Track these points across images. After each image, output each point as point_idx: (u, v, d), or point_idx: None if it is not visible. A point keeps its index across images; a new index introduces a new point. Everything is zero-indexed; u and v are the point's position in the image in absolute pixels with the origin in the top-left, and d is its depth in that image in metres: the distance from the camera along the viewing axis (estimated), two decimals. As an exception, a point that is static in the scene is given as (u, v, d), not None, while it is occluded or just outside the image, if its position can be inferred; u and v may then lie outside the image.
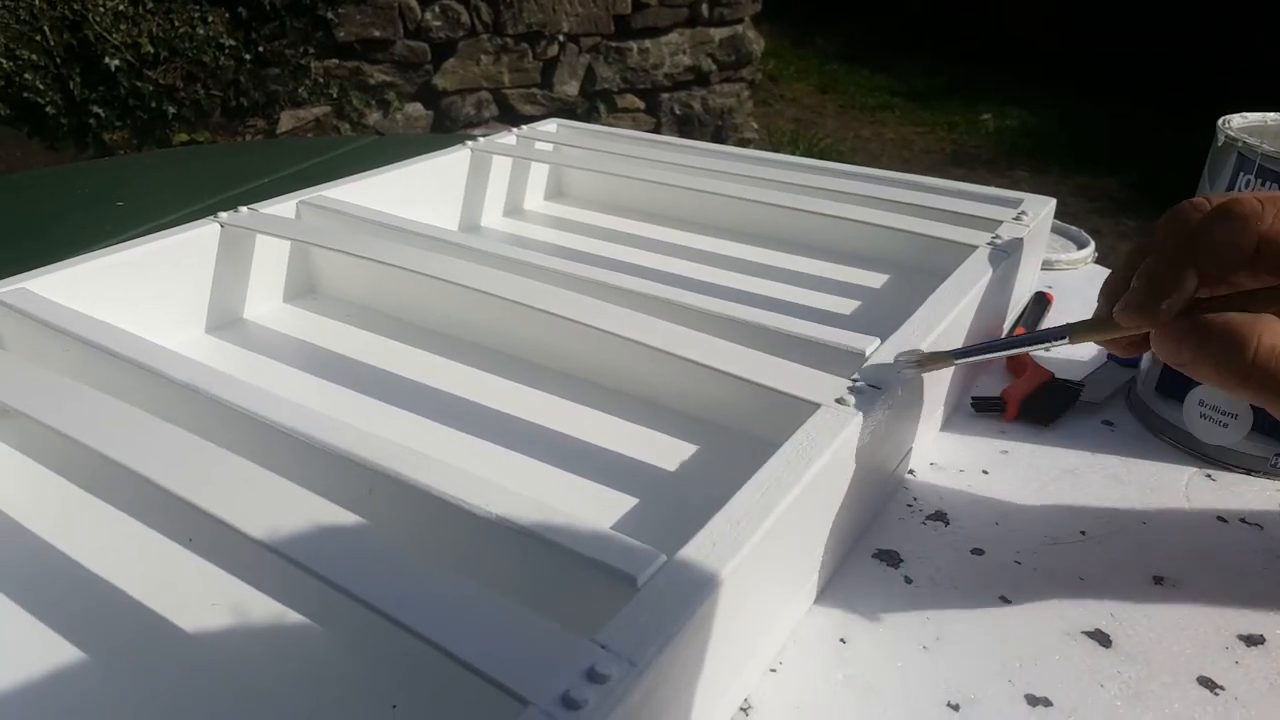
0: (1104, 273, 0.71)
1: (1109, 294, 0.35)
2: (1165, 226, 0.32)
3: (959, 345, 0.46)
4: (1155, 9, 4.38)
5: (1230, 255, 0.30)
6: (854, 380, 0.39)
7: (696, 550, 0.28)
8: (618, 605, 0.26)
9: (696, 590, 0.27)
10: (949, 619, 0.36)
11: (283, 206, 0.59)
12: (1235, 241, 0.30)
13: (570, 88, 3.04)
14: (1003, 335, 0.58)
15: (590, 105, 3.09)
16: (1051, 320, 0.62)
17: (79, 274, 0.49)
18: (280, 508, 0.30)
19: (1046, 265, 0.70)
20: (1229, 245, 0.30)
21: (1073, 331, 0.36)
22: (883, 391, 0.38)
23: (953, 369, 0.45)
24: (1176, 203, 0.33)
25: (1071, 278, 0.69)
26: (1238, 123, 0.48)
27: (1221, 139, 0.45)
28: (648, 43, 3.08)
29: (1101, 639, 0.36)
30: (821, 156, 3.38)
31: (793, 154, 0.82)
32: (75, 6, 2.42)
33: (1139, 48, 4.37)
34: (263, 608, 0.35)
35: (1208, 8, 4.18)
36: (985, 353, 0.40)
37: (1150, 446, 0.49)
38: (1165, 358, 0.32)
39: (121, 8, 2.46)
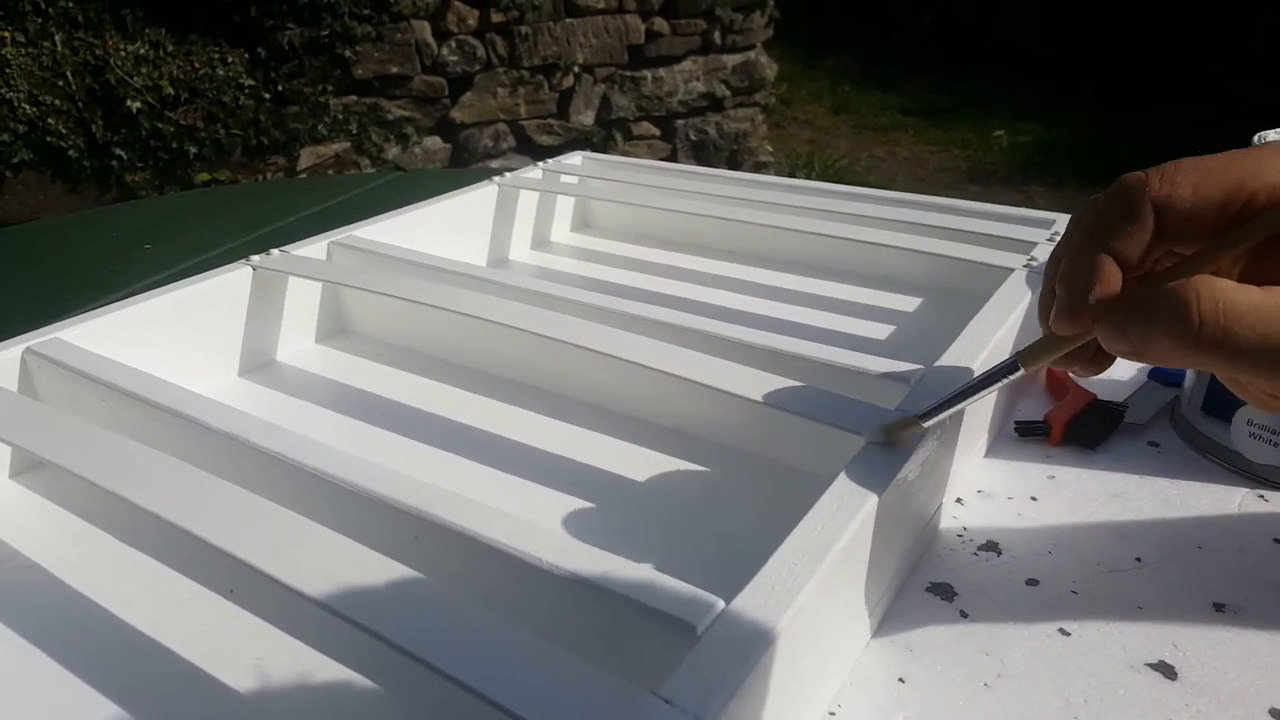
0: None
1: (1043, 311, 0.34)
2: (1068, 230, 0.32)
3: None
4: (1161, 19, 4.38)
5: (1130, 229, 0.29)
6: (902, 411, 0.38)
7: (754, 596, 0.28)
8: (675, 654, 0.26)
9: (758, 639, 0.26)
10: (1008, 654, 0.35)
11: (314, 248, 0.59)
12: (1130, 214, 0.29)
13: (586, 117, 3.05)
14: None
15: (606, 134, 3.11)
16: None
17: (112, 322, 0.50)
18: (325, 559, 0.30)
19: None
20: (1125, 220, 0.29)
21: (1021, 358, 0.34)
22: (933, 423, 0.37)
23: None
24: None
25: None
26: (1273, 137, 0.47)
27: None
28: (662, 71, 3.10)
29: (1166, 671, 0.35)
30: (836, 177, 3.39)
31: (808, 176, 0.81)
32: (97, 51, 2.46)
33: (1148, 59, 4.36)
34: (308, 661, 0.34)
35: (1209, 13, 4.18)
36: (948, 407, 0.36)
37: (1198, 467, 0.48)
38: (1117, 349, 0.30)
39: (142, 51, 2.50)
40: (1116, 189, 0.30)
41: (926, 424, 0.36)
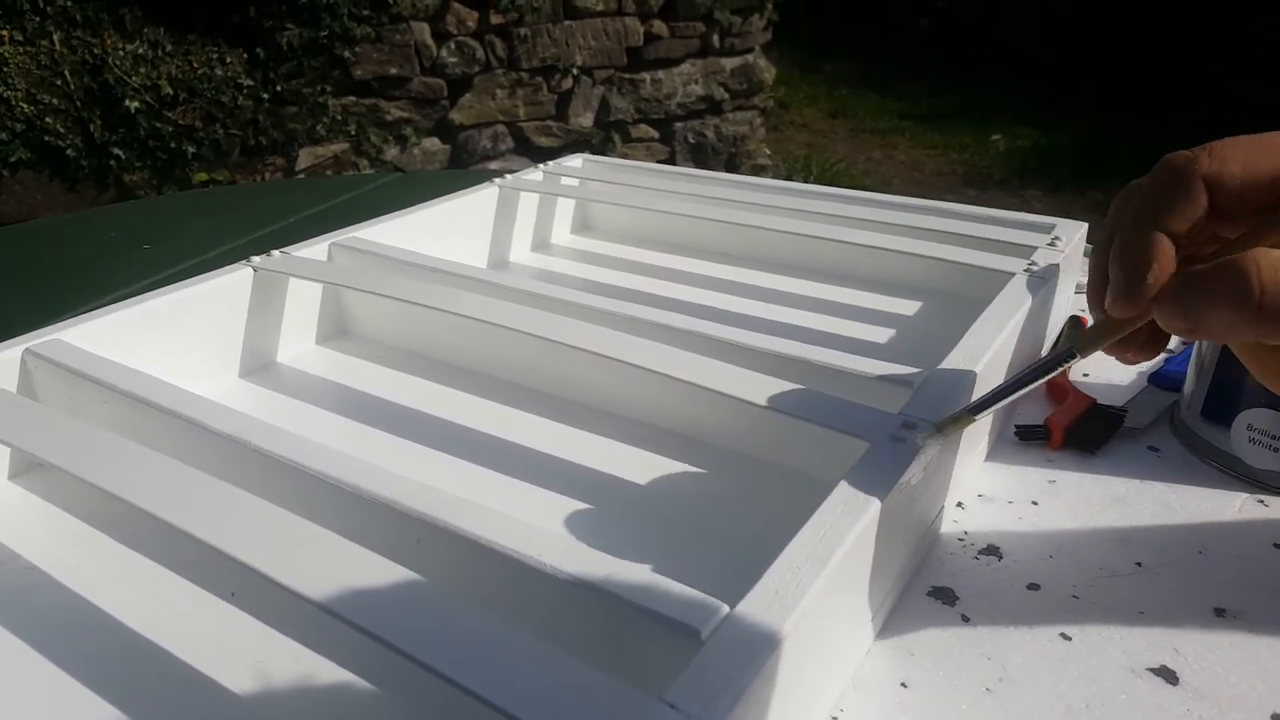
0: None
1: (1095, 297, 0.33)
2: (1116, 212, 0.32)
3: (999, 379, 0.46)
4: (1160, 20, 4.39)
5: (1182, 206, 0.29)
6: (905, 415, 0.38)
7: (758, 600, 0.28)
8: (679, 658, 0.26)
9: (762, 643, 0.26)
10: (1010, 658, 0.36)
11: (315, 249, 0.59)
12: (1182, 191, 0.29)
13: (585, 119, 3.06)
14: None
15: (605, 136, 3.11)
16: (1089, 345, 0.61)
17: (112, 323, 0.49)
18: (327, 561, 0.30)
19: (1079, 289, 0.69)
20: (1177, 197, 0.29)
21: (1079, 346, 0.34)
22: (937, 427, 0.37)
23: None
24: None
25: (1106, 301, 0.69)
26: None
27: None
28: (660, 73, 3.10)
29: (1168, 676, 0.35)
30: (834, 180, 3.40)
31: (805, 179, 0.81)
32: (95, 50, 2.46)
33: (1144, 60, 4.37)
34: (309, 664, 0.34)
35: (1207, 13, 4.19)
36: (1002, 398, 0.36)
37: (1198, 472, 0.48)
38: (1175, 327, 0.30)
39: (141, 51, 2.50)
40: (1164, 167, 0.30)
41: (977, 417, 0.36)
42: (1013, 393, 0.36)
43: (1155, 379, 0.56)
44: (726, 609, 0.27)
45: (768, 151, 3.46)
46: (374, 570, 0.29)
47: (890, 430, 0.37)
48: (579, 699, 0.24)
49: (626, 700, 0.24)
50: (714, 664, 0.25)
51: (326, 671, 0.34)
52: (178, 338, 0.52)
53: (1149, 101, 4.17)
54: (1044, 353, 0.58)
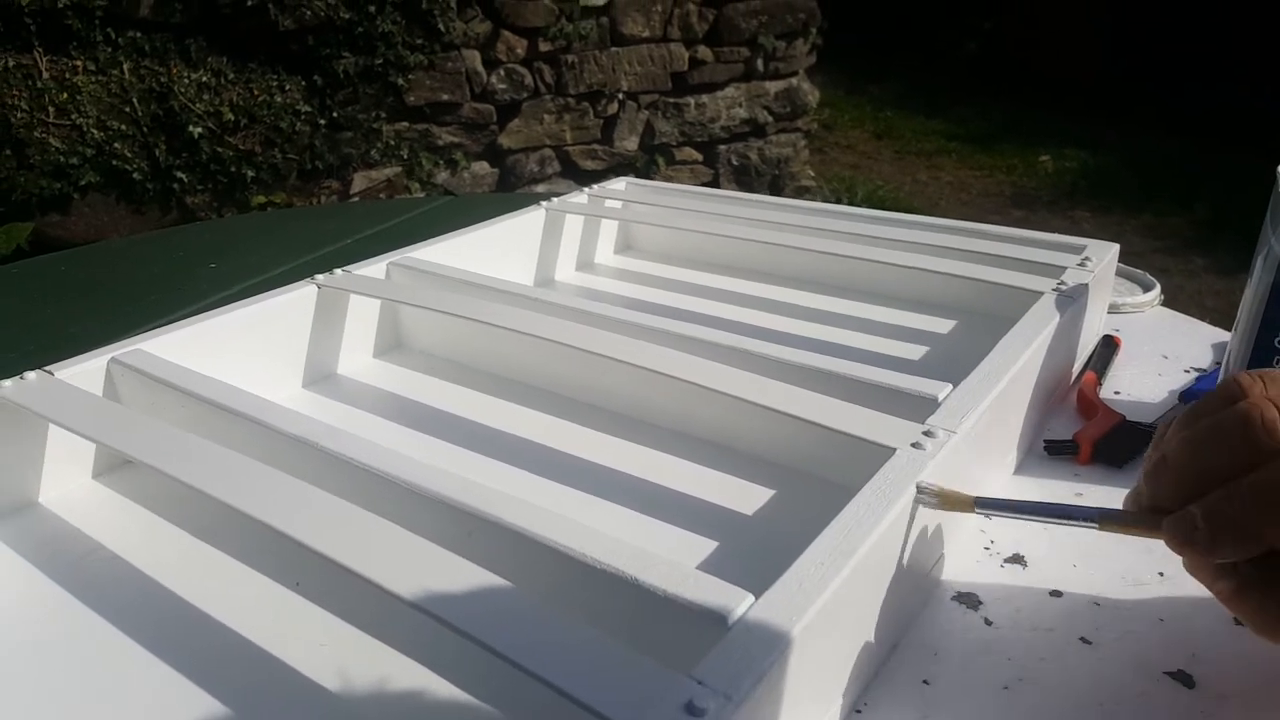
0: (1172, 316, 0.71)
1: (1152, 481, 0.33)
2: (1231, 447, 0.30)
3: (1024, 394, 0.47)
4: (1213, 39, 4.33)
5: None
6: (928, 425, 0.40)
7: (783, 590, 0.30)
8: (709, 643, 0.28)
9: (784, 630, 0.28)
10: (1030, 660, 0.37)
11: (374, 268, 0.62)
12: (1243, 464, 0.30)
13: (630, 143, 3.10)
14: (1072, 376, 0.59)
15: (649, 159, 3.15)
16: (1120, 363, 0.62)
17: (188, 335, 0.53)
18: (387, 549, 0.32)
19: (1113, 309, 0.70)
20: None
21: (1104, 520, 0.35)
22: (957, 436, 0.39)
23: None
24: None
25: (1138, 320, 0.70)
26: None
27: (1284, 184, 0.45)
28: (705, 97, 3.14)
29: (1184, 679, 0.36)
30: (879, 202, 3.40)
31: (850, 201, 0.83)
32: (162, 79, 2.56)
33: (1198, 80, 4.31)
34: (367, 646, 0.37)
35: (1267, 32, 4.12)
36: (1009, 510, 0.37)
37: (1228, 489, 0.49)
38: (1199, 579, 0.33)
39: (204, 79, 2.60)
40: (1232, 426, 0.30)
41: (978, 510, 0.37)
42: (1025, 514, 0.37)
43: (1187, 396, 0.57)
44: (752, 598, 0.29)
45: (811, 173, 3.48)
46: (431, 558, 0.32)
47: (913, 439, 0.38)
48: (618, 674, 0.27)
49: (660, 677, 0.27)
50: (739, 647, 0.27)
51: (383, 653, 0.36)
52: (247, 349, 0.55)
53: (1201, 123, 4.12)
54: (1075, 368, 0.59)
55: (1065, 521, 0.36)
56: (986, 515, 0.40)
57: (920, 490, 0.36)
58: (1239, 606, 0.32)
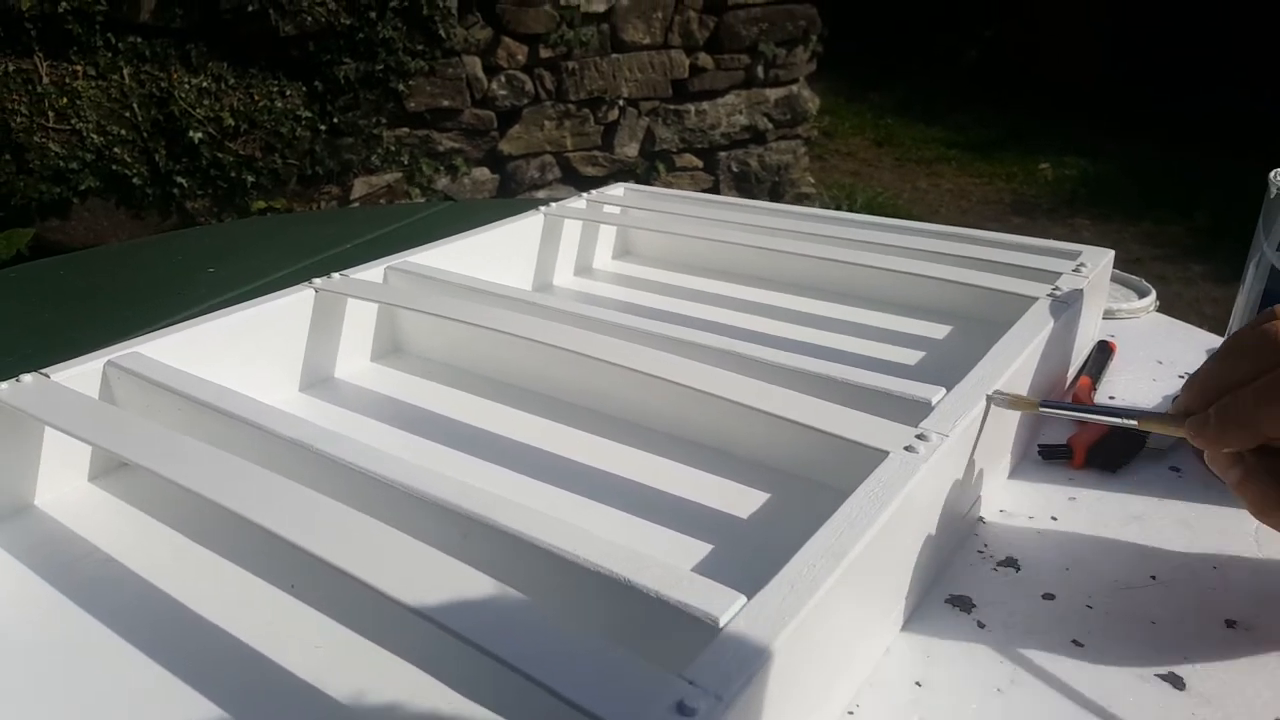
0: (1167, 322, 0.71)
1: (1186, 390, 0.38)
2: (1251, 358, 0.35)
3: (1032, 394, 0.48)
4: (1213, 42, 4.34)
5: None
6: (921, 429, 0.40)
7: (775, 593, 0.30)
8: (701, 643, 0.28)
9: (776, 630, 0.28)
10: (1022, 662, 0.37)
11: (372, 272, 0.62)
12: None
13: (630, 149, 3.11)
14: (1067, 381, 0.59)
15: (649, 165, 3.16)
16: (1115, 368, 0.62)
17: (185, 338, 0.53)
18: (381, 552, 0.33)
19: (1109, 315, 0.70)
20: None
21: (1143, 419, 0.40)
22: (950, 439, 0.39)
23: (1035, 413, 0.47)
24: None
25: (1134, 326, 0.70)
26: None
27: (1274, 191, 0.45)
28: (705, 104, 3.15)
29: (1175, 682, 0.36)
30: (879, 209, 3.40)
31: (850, 208, 0.84)
32: (162, 84, 2.57)
33: (1199, 85, 4.32)
34: (360, 646, 0.37)
35: (1267, 35, 4.13)
36: (1073, 410, 0.45)
37: (1217, 493, 0.49)
38: (1216, 470, 0.38)
39: (205, 84, 2.60)
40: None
41: (1041, 410, 0.43)
42: (1079, 413, 0.44)
43: (1180, 402, 0.57)
44: (744, 599, 0.30)
45: (811, 180, 3.48)
46: (425, 561, 0.32)
47: (906, 442, 0.39)
48: (608, 674, 0.27)
49: (652, 677, 0.27)
50: (730, 647, 0.28)
51: (377, 655, 0.36)
52: (244, 353, 0.55)
53: (1201, 128, 4.12)
54: (1070, 373, 0.60)
55: (1112, 420, 0.42)
56: (1049, 413, 0.44)
57: (994, 395, 0.43)
58: (1244, 490, 0.36)
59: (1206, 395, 0.37)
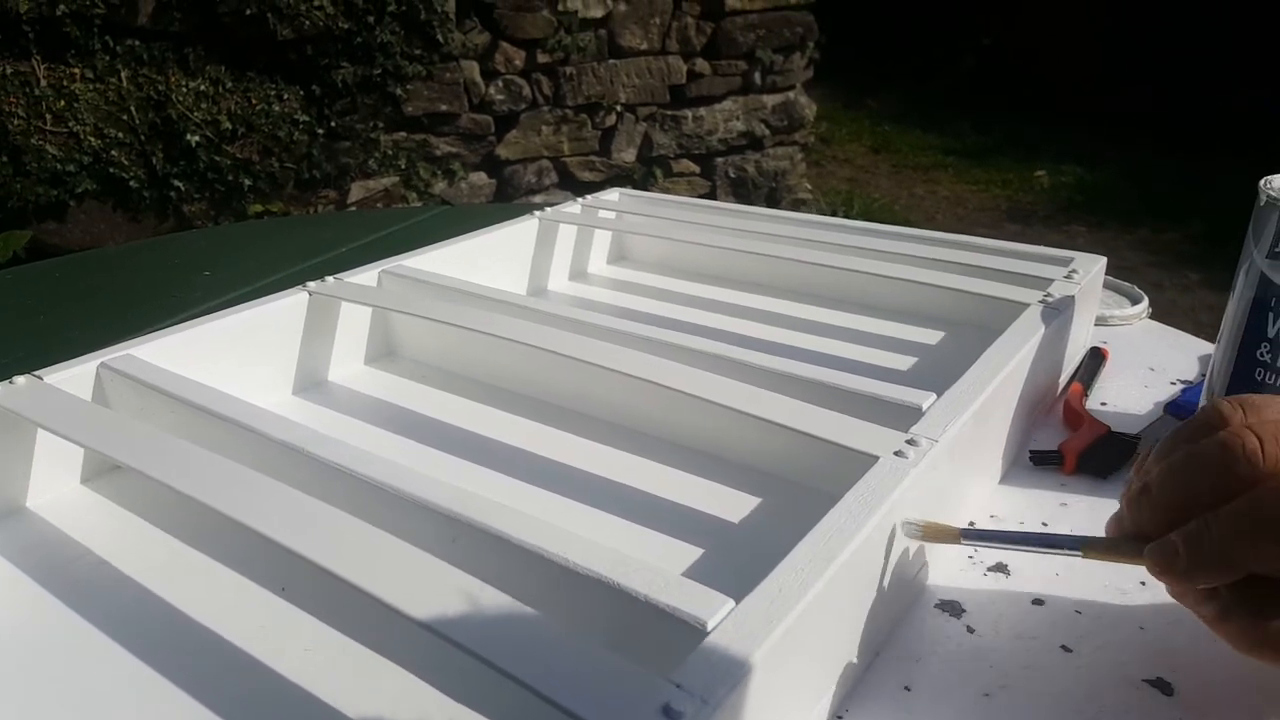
0: (1159, 328, 0.72)
1: (1134, 508, 0.34)
2: (1212, 476, 0.31)
3: (1008, 404, 0.48)
4: (1213, 45, 4.35)
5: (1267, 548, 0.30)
6: (911, 434, 0.40)
7: (763, 596, 0.30)
8: (689, 647, 0.28)
9: (764, 634, 0.28)
10: (1011, 667, 0.37)
11: (366, 276, 0.62)
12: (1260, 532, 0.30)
13: (627, 155, 3.12)
14: (1059, 387, 0.59)
15: (646, 170, 3.16)
16: (1107, 374, 0.63)
17: (178, 341, 0.53)
18: (372, 555, 0.33)
19: (1101, 321, 0.71)
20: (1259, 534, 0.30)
21: (1087, 548, 0.35)
22: (940, 445, 0.39)
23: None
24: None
25: (1126, 333, 0.70)
26: (1279, 183, 0.49)
27: (1264, 199, 0.45)
28: (702, 110, 3.16)
29: (1163, 687, 0.36)
30: (875, 216, 3.41)
31: (847, 214, 0.84)
32: (160, 87, 2.57)
33: (1197, 88, 4.34)
34: (350, 649, 0.37)
35: (1267, 38, 4.14)
36: (993, 539, 0.39)
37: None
38: (1184, 604, 0.35)
39: (203, 88, 2.60)
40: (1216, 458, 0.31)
41: (963, 541, 0.38)
42: (1010, 544, 0.40)
43: (1172, 408, 0.58)
44: (732, 603, 0.30)
45: (808, 186, 3.49)
46: (415, 564, 0.32)
47: (896, 447, 0.39)
48: (595, 677, 0.27)
49: (639, 679, 0.27)
50: (717, 651, 0.28)
51: (368, 657, 0.36)
52: (238, 356, 0.56)
53: (1199, 133, 4.14)
54: (1062, 380, 0.60)
55: (1049, 550, 0.37)
56: (973, 546, 0.41)
57: (906, 524, 0.37)
58: (1223, 630, 0.33)
59: (1164, 517, 0.32)
